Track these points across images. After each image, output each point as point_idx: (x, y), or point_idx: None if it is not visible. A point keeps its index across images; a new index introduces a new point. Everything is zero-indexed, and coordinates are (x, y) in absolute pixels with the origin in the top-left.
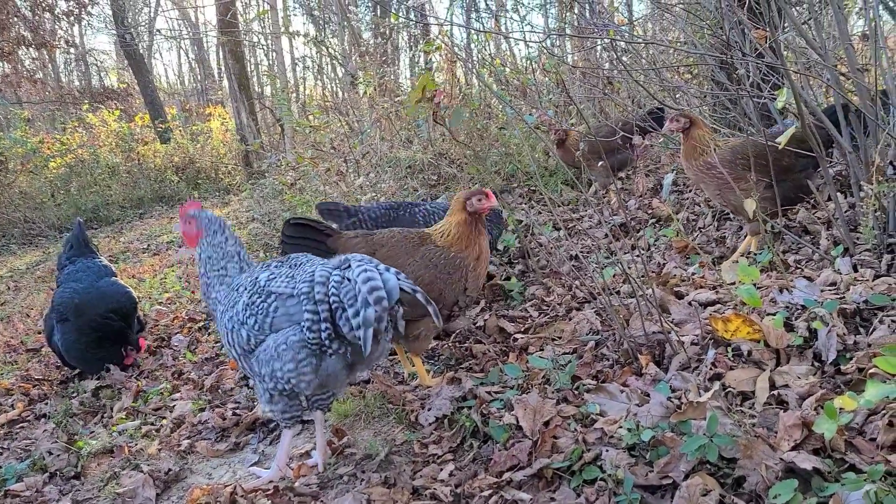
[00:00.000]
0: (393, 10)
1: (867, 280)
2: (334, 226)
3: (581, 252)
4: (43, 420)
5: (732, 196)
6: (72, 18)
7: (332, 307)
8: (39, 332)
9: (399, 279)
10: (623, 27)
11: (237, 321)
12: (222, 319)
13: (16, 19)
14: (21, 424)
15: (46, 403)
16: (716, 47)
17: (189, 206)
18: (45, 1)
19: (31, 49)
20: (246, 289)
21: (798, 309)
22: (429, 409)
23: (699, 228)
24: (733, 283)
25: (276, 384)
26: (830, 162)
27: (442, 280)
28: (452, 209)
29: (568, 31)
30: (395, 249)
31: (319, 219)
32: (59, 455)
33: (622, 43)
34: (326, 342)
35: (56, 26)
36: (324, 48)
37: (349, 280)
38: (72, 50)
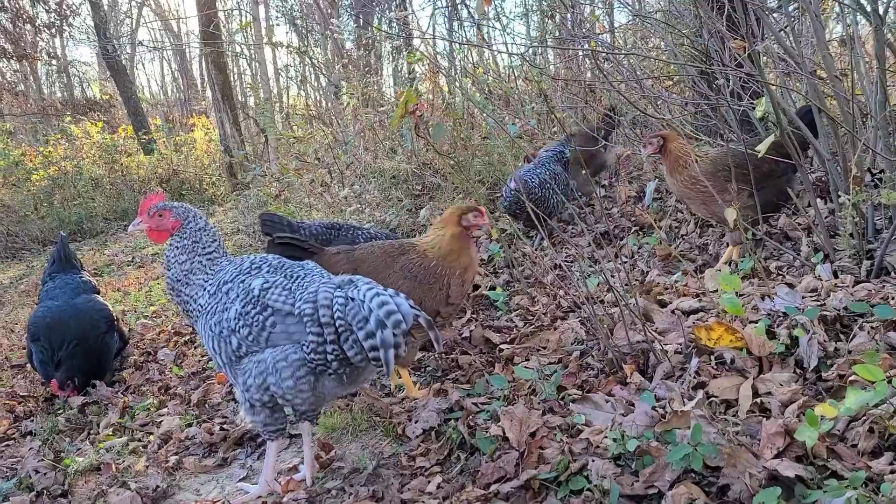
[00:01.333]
0: (376, 21)
1: (847, 286)
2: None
3: (565, 261)
4: (29, 437)
5: (717, 208)
6: (53, 30)
7: (339, 330)
8: (24, 348)
9: (410, 304)
10: (604, 34)
11: (227, 328)
12: (208, 322)
13: None
14: (7, 442)
15: (32, 420)
16: (695, 57)
17: (153, 198)
18: (25, 13)
19: (11, 61)
20: (238, 296)
21: (780, 316)
22: (416, 422)
23: (682, 236)
24: (716, 291)
25: (261, 395)
26: (810, 168)
27: (421, 290)
28: (446, 222)
29: (549, 42)
30: (376, 263)
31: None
32: (45, 473)
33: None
34: (334, 364)
35: (37, 38)
36: (307, 58)
37: (353, 300)
38: (53, 62)
